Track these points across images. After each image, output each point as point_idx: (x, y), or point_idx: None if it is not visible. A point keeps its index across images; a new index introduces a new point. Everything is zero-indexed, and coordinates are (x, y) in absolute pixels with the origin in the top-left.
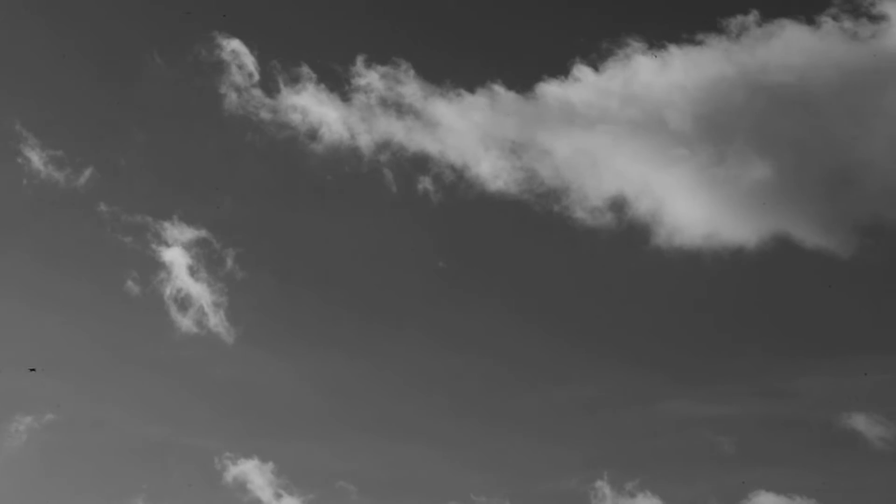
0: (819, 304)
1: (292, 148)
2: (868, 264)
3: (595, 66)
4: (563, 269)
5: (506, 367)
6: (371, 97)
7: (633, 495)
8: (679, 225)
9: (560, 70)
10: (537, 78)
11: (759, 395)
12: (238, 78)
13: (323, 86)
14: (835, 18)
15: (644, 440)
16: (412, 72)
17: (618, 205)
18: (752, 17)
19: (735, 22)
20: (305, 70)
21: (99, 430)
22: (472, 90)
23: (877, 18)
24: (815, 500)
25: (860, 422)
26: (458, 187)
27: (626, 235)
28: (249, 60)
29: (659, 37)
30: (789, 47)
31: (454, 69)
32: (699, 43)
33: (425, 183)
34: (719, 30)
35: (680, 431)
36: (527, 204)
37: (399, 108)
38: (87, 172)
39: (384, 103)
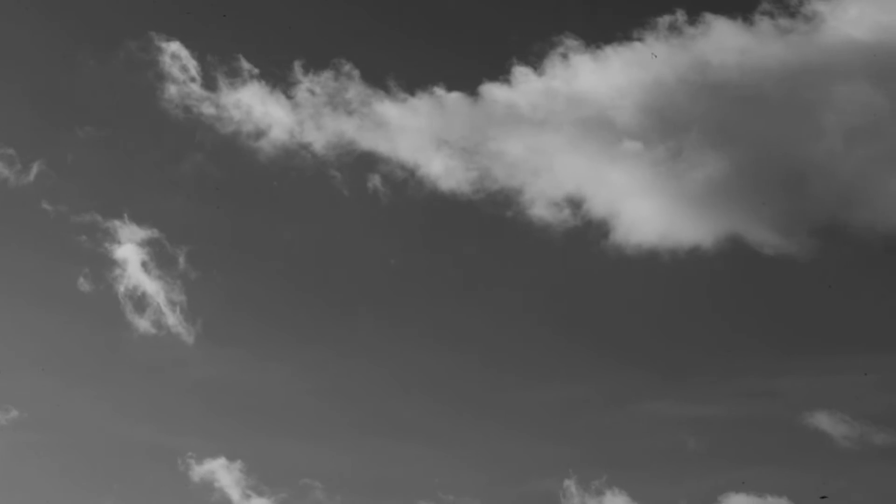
0: (778, 304)
1: (238, 145)
2: (824, 265)
3: (534, 67)
4: (521, 268)
5: (482, 365)
6: (317, 96)
7: (600, 493)
8: (634, 223)
9: (500, 71)
10: (479, 80)
11: (736, 396)
12: (178, 74)
13: (265, 83)
14: (769, 16)
15: (619, 440)
16: (357, 72)
17: (573, 204)
18: (680, 15)
19: (664, 21)
20: (246, 66)
21: (64, 429)
22: (413, 92)
23: (808, 17)
24: (785, 499)
25: (825, 421)
26: (409, 186)
27: (583, 234)
28: (190, 62)
29: (594, 36)
30: (724, 45)
31: (397, 70)
32: (635, 40)
33: (375, 182)
34: (651, 27)
35: (656, 431)
36: (480, 203)
37: (346, 108)
38: (35, 168)
39: (331, 102)
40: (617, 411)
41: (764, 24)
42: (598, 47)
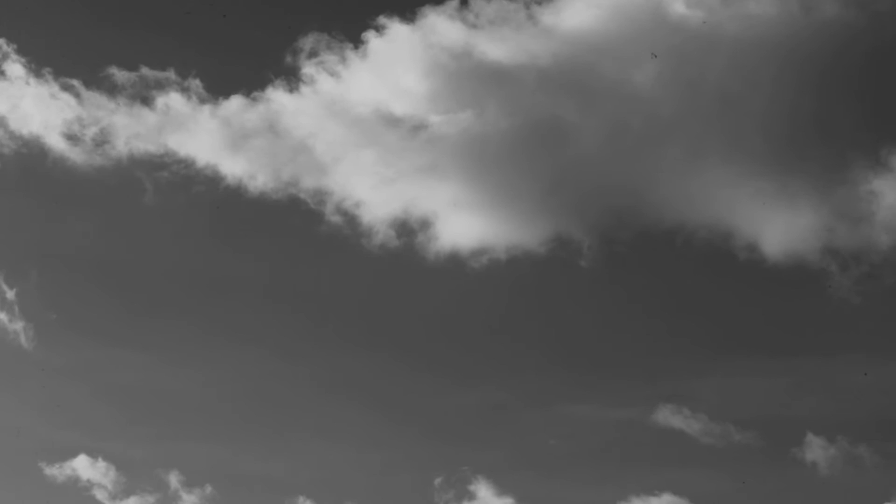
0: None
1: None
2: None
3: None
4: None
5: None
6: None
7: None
8: (454, 233)
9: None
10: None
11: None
12: None
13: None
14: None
15: (537, 442)
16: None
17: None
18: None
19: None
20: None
21: None
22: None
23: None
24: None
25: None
26: (211, 188)
27: (407, 247)
28: None
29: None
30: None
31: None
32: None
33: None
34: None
35: (574, 434)
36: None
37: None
38: None
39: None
40: (536, 414)
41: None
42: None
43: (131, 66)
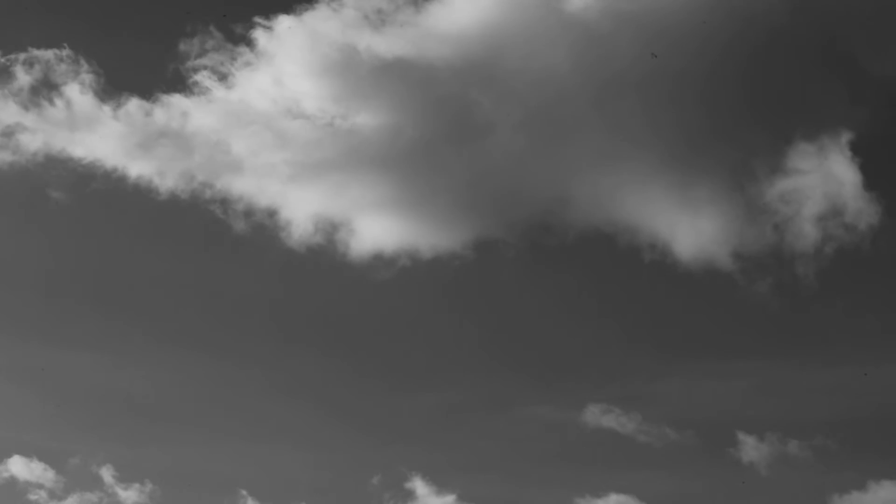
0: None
1: None
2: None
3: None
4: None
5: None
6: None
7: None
8: (372, 237)
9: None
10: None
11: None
12: None
13: None
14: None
15: (495, 444)
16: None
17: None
18: None
19: None
20: None
21: None
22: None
23: None
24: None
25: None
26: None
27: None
28: None
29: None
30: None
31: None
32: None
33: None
34: None
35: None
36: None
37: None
38: None
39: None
40: (495, 417)
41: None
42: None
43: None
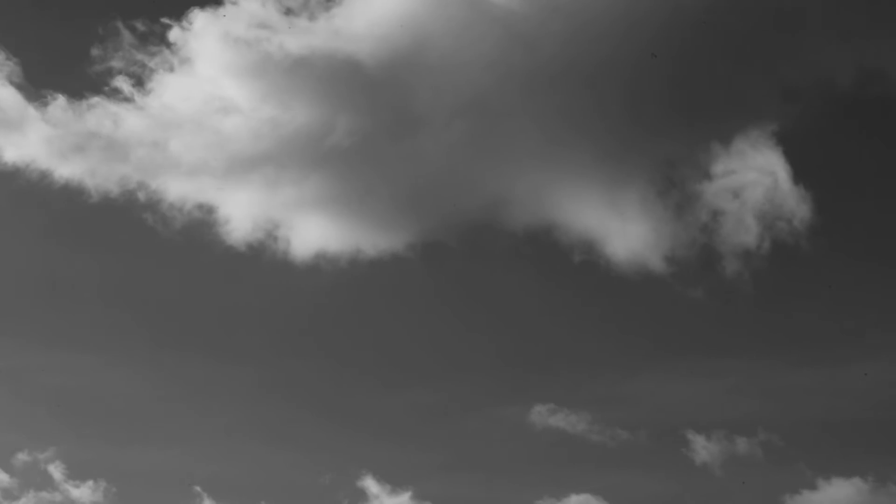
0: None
1: None
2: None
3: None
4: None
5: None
6: None
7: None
8: (313, 235)
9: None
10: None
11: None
12: None
13: None
14: None
15: (473, 445)
16: None
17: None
18: None
19: None
20: None
21: None
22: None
23: None
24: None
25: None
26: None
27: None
28: None
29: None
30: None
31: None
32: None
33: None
34: None
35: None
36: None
37: None
38: None
39: None
40: (472, 417)
41: None
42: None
43: None
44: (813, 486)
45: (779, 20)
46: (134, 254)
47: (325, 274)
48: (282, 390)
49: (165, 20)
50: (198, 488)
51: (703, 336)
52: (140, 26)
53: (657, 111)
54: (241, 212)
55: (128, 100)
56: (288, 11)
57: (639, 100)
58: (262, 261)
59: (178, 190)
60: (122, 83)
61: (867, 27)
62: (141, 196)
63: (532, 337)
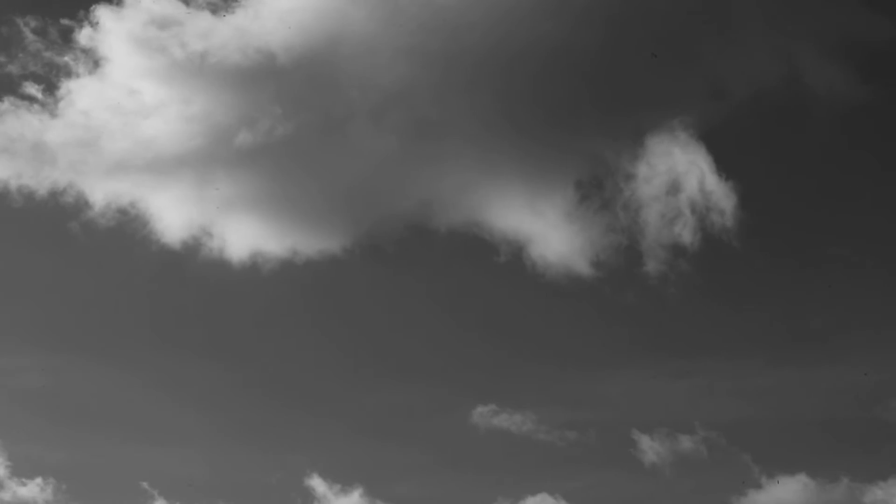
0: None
1: None
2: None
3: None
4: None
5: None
6: None
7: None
8: (245, 236)
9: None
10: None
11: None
12: None
13: None
14: None
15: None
16: None
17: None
18: None
19: None
20: None
21: None
22: None
23: None
24: None
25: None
26: None
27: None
28: None
29: None
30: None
31: None
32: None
33: None
34: None
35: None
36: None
37: None
38: None
39: None
40: (416, 418)
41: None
42: None
43: None
44: (758, 486)
45: (694, 13)
46: (59, 254)
47: (259, 274)
48: (225, 390)
49: (66, 21)
50: (146, 485)
51: (637, 336)
52: (47, 26)
53: (574, 107)
54: (172, 212)
55: (40, 103)
56: (212, 4)
57: (550, 96)
58: (197, 260)
59: (107, 190)
60: (30, 88)
61: (793, 24)
62: (68, 198)
63: (470, 340)
